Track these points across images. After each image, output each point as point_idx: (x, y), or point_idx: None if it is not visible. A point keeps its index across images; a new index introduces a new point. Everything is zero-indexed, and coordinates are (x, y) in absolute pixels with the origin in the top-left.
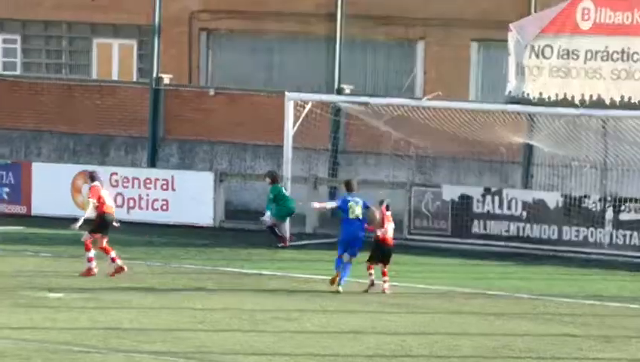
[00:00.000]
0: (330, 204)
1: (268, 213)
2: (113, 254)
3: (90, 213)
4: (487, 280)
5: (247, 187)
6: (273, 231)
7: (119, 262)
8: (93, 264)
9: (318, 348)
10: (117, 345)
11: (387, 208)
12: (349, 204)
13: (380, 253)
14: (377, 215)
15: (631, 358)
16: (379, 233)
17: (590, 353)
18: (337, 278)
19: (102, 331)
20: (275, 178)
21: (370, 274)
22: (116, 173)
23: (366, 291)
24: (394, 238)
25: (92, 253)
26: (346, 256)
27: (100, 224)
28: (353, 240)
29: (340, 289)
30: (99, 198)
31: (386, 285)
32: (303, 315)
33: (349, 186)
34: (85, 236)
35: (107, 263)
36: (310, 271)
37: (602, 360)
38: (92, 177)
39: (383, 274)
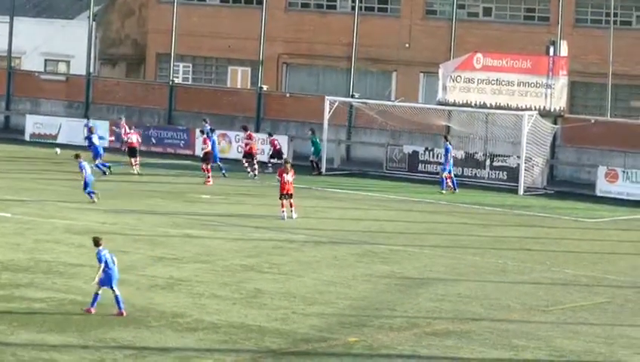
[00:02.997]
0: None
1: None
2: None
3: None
4: (425, 194)
5: (304, 143)
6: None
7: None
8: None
9: (337, 225)
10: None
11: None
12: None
13: None
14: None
15: (496, 235)
16: None
17: (474, 231)
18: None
19: (218, 216)
20: (314, 131)
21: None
22: (238, 135)
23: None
24: None
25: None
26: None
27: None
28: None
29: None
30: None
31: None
32: (331, 209)
33: (446, 138)
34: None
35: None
36: (338, 187)
37: (481, 236)
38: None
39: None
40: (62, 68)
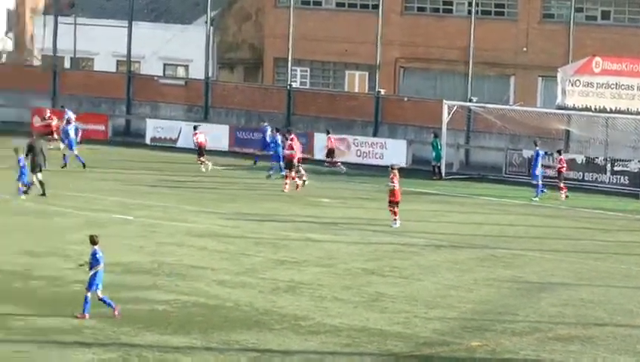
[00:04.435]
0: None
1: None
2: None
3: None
4: (544, 199)
5: (423, 147)
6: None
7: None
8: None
9: (458, 229)
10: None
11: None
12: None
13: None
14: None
15: (618, 240)
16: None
17: (596, 236)
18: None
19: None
20: (436, 135)
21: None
22: (357, 139)
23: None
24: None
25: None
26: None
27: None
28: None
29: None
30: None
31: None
32: (451, 213)
33: (536, 144)
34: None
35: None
36: (457, 192)
37: (603, 241)
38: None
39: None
40: (180, 72)
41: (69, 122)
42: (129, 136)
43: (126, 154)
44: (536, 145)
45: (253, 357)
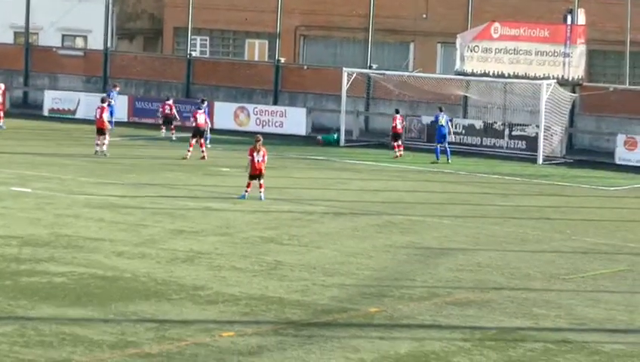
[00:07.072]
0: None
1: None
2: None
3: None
4: (444, 165)
5: (322, 115)
6: None
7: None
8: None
9: (357, 197)
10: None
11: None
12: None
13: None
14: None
15: (516, 205)
16: None
17: (494, 201)
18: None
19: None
20: None
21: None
22: (257, 107)
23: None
24: None
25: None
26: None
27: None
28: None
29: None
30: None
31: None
32: (351, 181)
33: (440, 109)
34: None
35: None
36: (356, 159)
37: (501, 206)
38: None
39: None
40: (79, 43)
41: None
42: (27, 108)
43: (24, 126)
44: (440, 111)
45: (150, 328)
